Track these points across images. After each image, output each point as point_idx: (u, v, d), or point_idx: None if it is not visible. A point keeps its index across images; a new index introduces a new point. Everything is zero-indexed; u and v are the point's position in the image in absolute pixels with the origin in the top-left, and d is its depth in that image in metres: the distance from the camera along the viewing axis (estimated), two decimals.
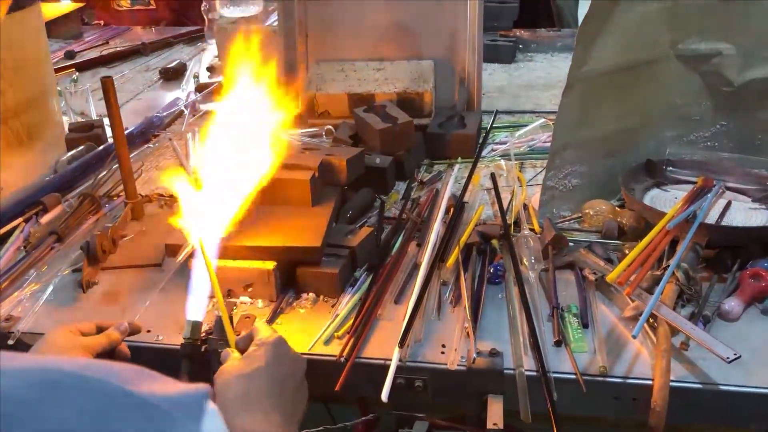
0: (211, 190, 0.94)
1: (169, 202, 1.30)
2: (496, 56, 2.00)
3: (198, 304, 0.85)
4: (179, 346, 0.85)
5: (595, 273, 1.00)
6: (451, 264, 1.03)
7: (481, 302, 0.98)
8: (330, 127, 1.48)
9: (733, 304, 0.92)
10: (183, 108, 1.72)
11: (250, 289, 1.00)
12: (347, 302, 0.99)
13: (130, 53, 2.28)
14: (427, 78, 1.51)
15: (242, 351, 0.80)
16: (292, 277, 1.02)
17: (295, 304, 1.00)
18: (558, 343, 0.89)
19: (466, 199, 1.20)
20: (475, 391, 0.87)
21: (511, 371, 0.85)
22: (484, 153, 1.43)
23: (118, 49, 2.30)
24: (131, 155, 1.28)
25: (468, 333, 0.90)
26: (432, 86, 1.50)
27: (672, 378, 0.81)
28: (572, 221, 1.16)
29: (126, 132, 1.24)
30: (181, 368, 0.84)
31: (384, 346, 0.90)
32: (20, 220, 1.21)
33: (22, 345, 0.95)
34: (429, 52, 1.58)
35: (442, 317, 0.96)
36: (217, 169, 0.95)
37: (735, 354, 0.80)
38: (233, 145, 0.97)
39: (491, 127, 1.52)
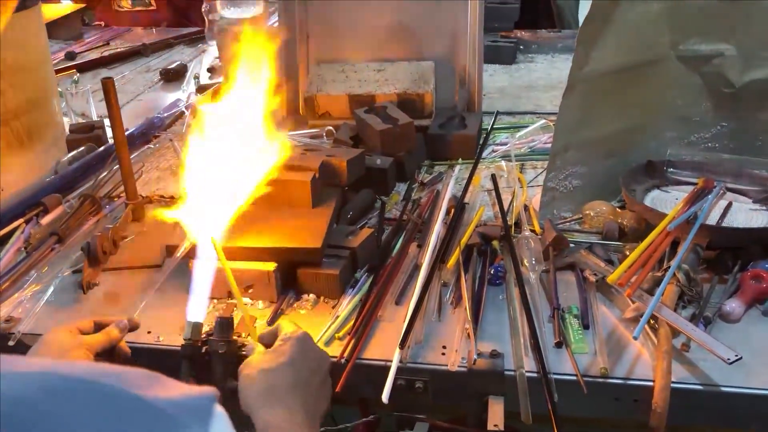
0: (211, 191, 0.94)
1: (169, 203, 1.30)
2: (497, 57, 2.00)
3: (198, 305, 0.85)
4: (180, 347, 0.85)
5: (595, 274, 1.00)
6: (451, 265, 1.03)
7: (482, 303, 0.98)
8: (330, 128, 1.48)
9: (734, 306, 0.92)
10: (183, 109, 1.72)
11: (250, 291, 1.00)
12: (348, 303, 0.99)
13: (131, 54, 2.28)
14: (428, 79, 1.51)
15: (267, 346, 0.80)
16: (292, 278, 1.02)
17: (295, 305, 1.00)
18: (559, 345, 0.89)
19: (466, 200, 1.20)
20: (476, 392, 0.87)
21: (512, 372, 0.85)
22: (484, 154, 1.43)
23: (119, 50, 2.30)
24: (132, 156, 1.28)
25: (469, 334, 0.90)
26: (432, 87, 1.50)
27: (673, 379, 0.80)
28: (573, 222, 1.16)
29: (126, 133, 1.24)
30: (181, 369, 0.83)
31: (385, 348, 0.90)
32: (21, 221, 1.21)
33: (23, 346, 0.94)
34: (429, 53, 1.58)
35: (442, 318, 0.96)
36: (212, 170, 0.95)
37: (736, 355, 0.80)
38: (227, 146, 0.97)
39: (492, 128, 1.52)
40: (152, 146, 1.56)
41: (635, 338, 0.86)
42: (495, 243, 1.09)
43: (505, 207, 1.17)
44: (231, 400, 0.82)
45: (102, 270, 1.10)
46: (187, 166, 0.92)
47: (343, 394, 0.85)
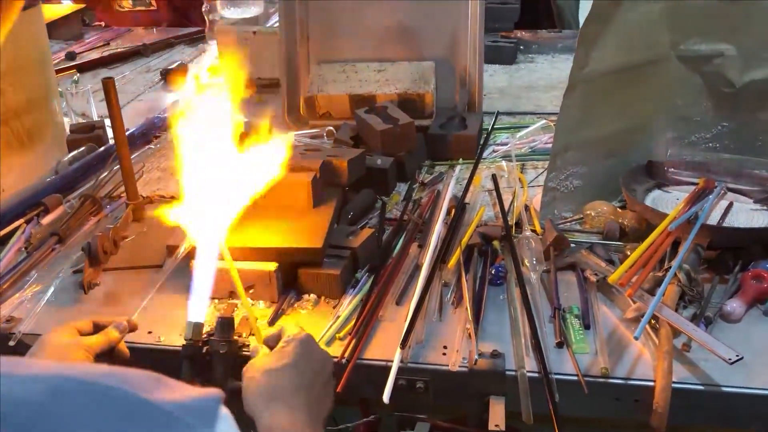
0: (211, 192, 0.94)
1: (170, 203, 1.29)
2: (497, 57, 2.00)
3: (199, 306, 0.85)
4: (180, 348, 0.85)
5: (596, 274, 1.00)
6: (452, 265, 1.03)
7: (483, 303, 0.98)
8: (331, 128, 1.48)
9: (734, 306, 0.92)
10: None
11: (251, 291, 1.00)
12: (349, 303, 0.99)
13: (131, 54, 2.28)
14: (428, 79, 1.51)
15: (271, 348, 0.80)
16: (293, 278, 1.02)
17: (296, 305, 1.00)
18: (560, 345, 0.89)
19: (467, 200, 1.20)
20: (477, 392, 0.87)
21: (513, 372, 0.85)
22: (485, 154, 1.42)
23: (119, 50, 2.30)
24: (132, 156, 1.28)
25: (469, 334, 0.90)
26: (433, 87, 1.50)
27: (674, 379, 0.80)
28: (574, 222, 1.16)
29: (127, 133, 1.24)
30: (182, 370, 0.83)
31: (385, 348, 0.90)
32: (21, 221, 1.21)
33: (24, 346, 0.94)
34: (430, 53, 1.58)
35: (443, 318, 0.96)
36: (211, 171, 0.94)
37: (737, 355, 0.80)
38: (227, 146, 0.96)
39: (492, 128, 1.52)
40: (153, 146, 1.56)
41: (636, 338, 0.86)
42: (496, 243, 1.09)
43: (506, 207, 1.17)
44: (232, 401, 0.82)
45: (103, 270, 1.10)
46: (184, 167, 0.91)
47: (343, 395, 0.85)
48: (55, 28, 2.34)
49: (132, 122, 1.60)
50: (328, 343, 0.92)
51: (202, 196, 0.91)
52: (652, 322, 0.88)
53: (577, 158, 1.16)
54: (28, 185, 1.30)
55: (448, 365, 0.87)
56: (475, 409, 0.88)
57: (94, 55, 2.28)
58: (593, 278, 1.00)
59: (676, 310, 0.90)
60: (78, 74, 2.03)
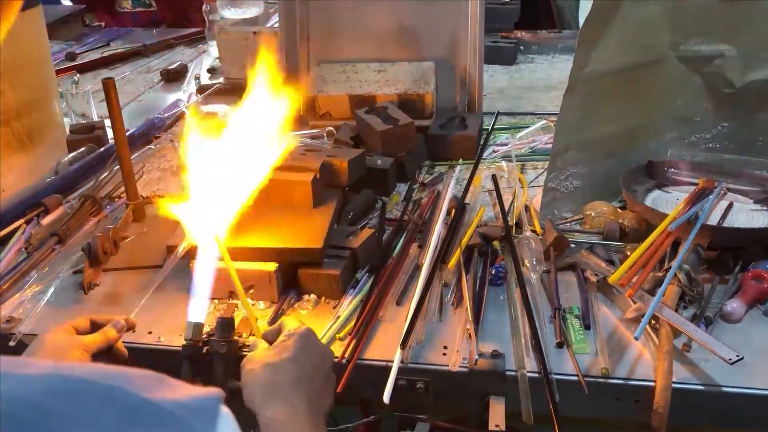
0: (210, 192, 0.94)
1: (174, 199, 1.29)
2: (497, 58, 2.00)
3: (199, 306, 0.85)
4: (181, 348, 0.85)
5: (596, 274, 1.00)
6: (452, 265, 1.03)
7: (483, 304, 0.98)
8: (331, 128, 1.48)
9: (735, 306, 0.92)
10: (184, 110, 1.72)
11: (251, 291, 1.00)
12: (349, 304, 0.99)
13: (131, 55, 2.28)
14: (428, 79, 1.51)
15: (270, 342, 0.80)
16: (293, 278, 1.02)
17: (296, 305, 1.00)
18: (560, 345, 0.89)
19: (467, 200, 1.20)
20: (477, 392, 0.87)
21: (513, 373, 0.85)
22: (485, 154, 1.43)
23: (119, 50, 2.30)
24: (132, 157, 1.28)
25: (470, 334, 0.90)
26: (433, 88, 1.50)
27: (674, 379, 0.80)
28: (574, 223, 1.16)
29: (127, 133, 1.24)
30: (182, 370, 0.83)
31: (386, 348, 0.90)
32: (21, 221, 1.21)
33: (24, 347, 0.94)
34: (430, 53, 1.58)
35: (443, 319, 0.96)
36: (215, 171, 0.95)
37: (737, 355, 0.80)
38: (233, 146, 0.97)
39: (492, 129, 1.52)
40: (153, 147, 1.56)
41: (636, 338, 0.86)
42: (496, 243, 1.09)
43: (506, 207, 1.17)
44: (233, 401, 0.82)
45: (103, 270, 1.10)
46: (188, 166, 0.92)
47: (344, 395, 0.85)
48: (55, 28, 2.34)
49: (132, 123, 1.60)
50: (329, 343, 0.92)
51: (204, 195, 0.91)
52: (653, 322, 0.88)
53: (577, 158, 1.16)
54: (28, 185, 1.30)
55: (448, 365, 0.87)
56: (475, 410, 0.88)
57: (95, 55, 2.28)
58: (593, 278, 1.00)
59: (677, 311, 0.90)
60: (78, 75, 2.03)
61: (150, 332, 0.96)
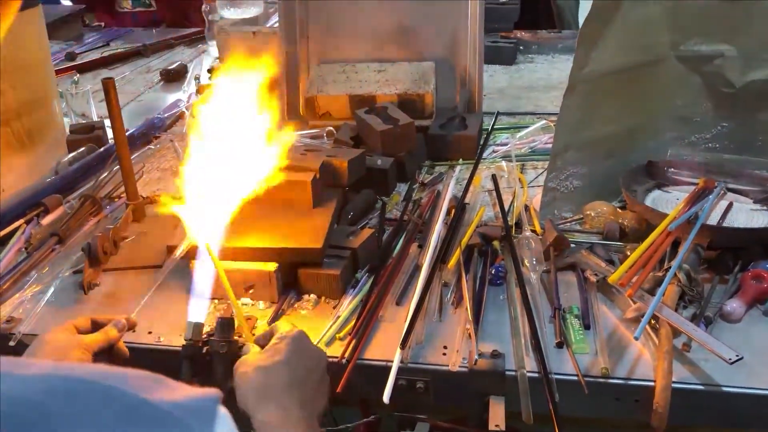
0: (210, 192, 0.94)
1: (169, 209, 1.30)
2: (497, 58, 2.00)
3: (199, 306, 0.85)
4: (180, 348, 0.85)
5: (596, 274, 1.00)
6: (452, 265, 1.03)
7: (483, 304, 0.98)
8: (331, 128, 1.48)
9: (734, 306, 0.92)
10: (184, 109, 1.72)
11: (251, 291, 1.00)
12: (349, 304, 0.99)
13: (131, 55, 2.28)
14: (428, 79, 1.51)
15: (263, 346, 0.80)
16: (293, 278, 1.02)
17: (296, 305, 1.00)
18: (560, 345, 0.89)
19: (467, 200, 1.20)
20: (477, 392, 0.87)
21: (513, 372, 0.85)
22: (485, 154, 1.43)
23: (119, 50, 2.30)
24: (132, 157, 1.28)
25: (469, 334, 0.90)
26: (433, 88, 1.50)
27: (674, 379, 0.80)
28: (573, 222, 1.16)
29: (127, 133, 1.24)
30: (182, 370, 0.83)
31: (385, 348, 0.90)
32: (21, 221, 1.21)
33: (24, 347, 0.94)
34: (430, 53, 1.58)
35: (443, 319, 0.96)
36: (213, 170, 0.95)
37: (737, 355, 0.80)
38: (226, 147, 0.97)
39: (492, 129, 1.52)
40: (153, 147, 1.56)
41: (636, 338, 0.86)
42: (496, 243, 1.09)
43: (506, 207, 1.17)
44: (232, 401, 0.82)
45: (102, 270, 1.10)
46: (188, 165, 0.92)
47: (343, 395, 0.85)
48: (55, 28, 2.34)
49: (132, 123, 1.60)
50: (328, 343, 0.92)
51: (203, 195, 0.91)
52: (652, 322, 0.88)
53: (577, 158, 1.16)
54: (28, 185, 1.30)
55: (448, 365, 0.87)
56: (475, 409, 0.88)
57: (94, 55, 2.28)
58: (593, 278, 1.00)
59: (676, 310, 0.90)
60: (78, 75, 2.03)
61: (150, 332, 0.96)
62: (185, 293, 0.87)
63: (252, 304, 1.00)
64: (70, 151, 1.45)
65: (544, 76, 1.92)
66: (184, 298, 0.86)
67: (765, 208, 1.13)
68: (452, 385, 0.88)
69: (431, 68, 1.54)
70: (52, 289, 1.05)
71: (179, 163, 1.47)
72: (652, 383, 0.82)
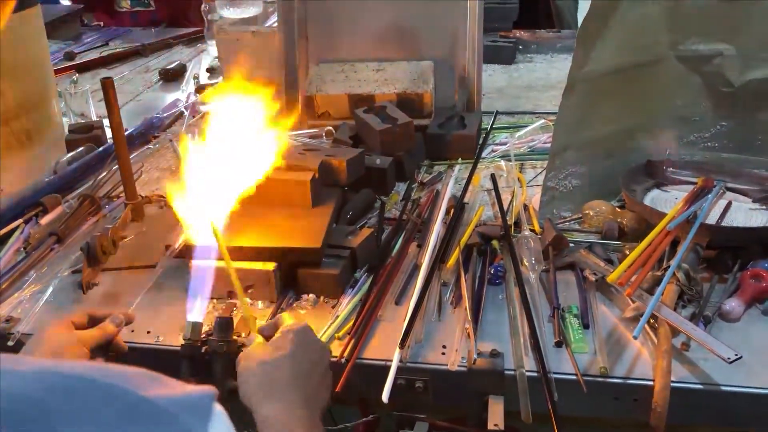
0: (210, 191, 0.94)
1: (168, 203, 1.30)
2: (496, 57, 2.00)
3: (198, 305, 0.85)
4: (179, 347, 0.85)
5: (595, 274, 1.00)
6: (451, 265, 1.03)
7: (482, 303, 0.98)
8: (330, 128, 1.48)
9: (733, 305, 0.92)
10: (183, 109, 1.72)
11: (250, 291, 1.00)
12: (348, 303, 0.99)
13: (130, 54, 2.28)
14: (427, 79, 1.51)
15: (267, 338, 0.80)
16: (292, 278, 1.02)
17: (295, 305, 1.00)
18: (559, 344, 0.89)
19: (466, 199, 1.20)
20: (476, 391, 0.87)
21: (512, 372, 0.85)
22: (484, 154, 1.42)
23: (118, 50, 2.30)
24: (131, 156, 1.28)
25: (468, 334, 0.90)
26: (432, 87, 1.50)
27: (673, 378, 0.80)
28: (572, 222, 1.16)
29: (126, 133, 1.24)
30: (181, 369, 0.84)
31: (384, 347, 0.90)
32: (20, 221, 1.21)
33: (22, 346, 0.94)
34: (429, 52, 1.58)
35: (442, 318, 0.96)
36: (213, 170, 0.95)
37: (736, 354, 0.80)
38: (227, 146, 0.97)
39: (491, 128, 1.52)
40: (151, 146, 1.55)
41: (635, 337, 0.86)
42: (495, 243, 1.09)
43: (505, 207, 1.17)
44: (231, 400, 0.82)
45: (101, 270, 1.10)
46: (189, 164, 0.92)
47: (343, 394, 0.84)
48: (53, 28, 2.34)
49: (131, 122, 1.60)
50: (327, 342, 0.92)
51: (203, 194, 0.91)
52: (651, 321, 0.89)
53: (576, 158, 1.16)
54: (26, 185, 1.30)
55: (447, 365, 0.87)
56: (474, 409, 0.88)
57: (93, 55, 2.27)
58: (592, 278, 1.00)
59: (675, 310, 0.90)
60: (77, 74, 2.02)
61: (149, 331, 0.96)
62: (184, 293, 0.86)
63: (251, 304, 1.00)
64: (68, 151, 1.45)
65: (543, 76, 1.92)
66: (183, 298, 0.86)
67: (764, 207, 1.13)
68: (451, 384, 0.88)
69: (430, 67, 1.54)
70: (50, 289, 1.05)
71: (178, 163, 1.47)
72: (651, 382, 0.82)
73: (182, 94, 1.89)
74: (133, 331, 0.95)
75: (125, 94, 1.92)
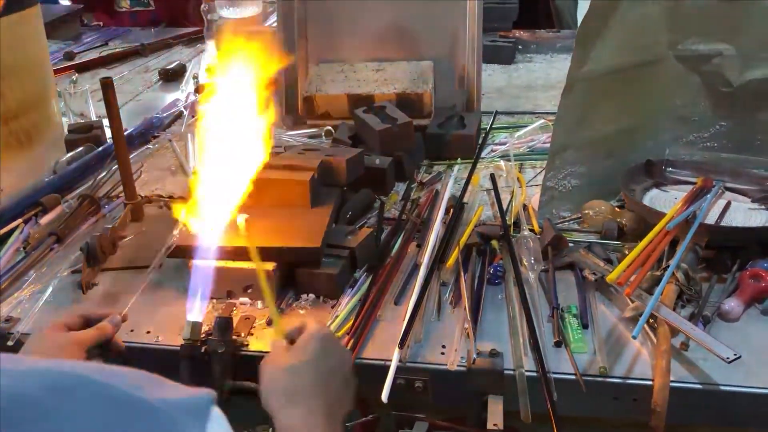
0: (211, 190, 0.94)
1: (168, 203, 1.30)
2: (496, 57, 2.00)
3: (197, 305, 0.85)
4: (179, 347, 0.85)
5: (594, 273, 1.00)
6: (450, 265, 1.03)
7: (481, 303, 0.98)
8: (329, 127, 1.48)
9: (732, 305, 0.92)
10: (182, 109, 1.72)
11: (249, 290, 1.00)
12: (347, 303, 0.99)
13: (130, 54, 2.27)
14: (427, 79, 1.51)
15: (292, 341, 0.79)
16: (291, 278, 1.02)
17: (294, 305, 1.00)
18: (558, 344, 0.89)
19: (465, 199, 1.20)
20: (475, 391, 0.87)
21: (511, 372, 0.85)
22: (483, 154, 1.43)
23: (118, 50, 2.30)
24: (131, 156, 1.28)
25: (468, 333, 0.90)
26: (431, 87, 1.50)
27: (672, 378, 0.81)
28: (572, 222, 1.16)
29: (125, 133, 1.24)
30: (180, 369, 0.84)
31: (384, 347, 0.90)
32: (20, 221, 1.21)
33: (22, 346, 0.94)
34: (428, 52, 1.58)
35: (441, 318, 0.96)
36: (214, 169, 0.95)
37: (735, 354, 0.80)
38: (223, 145, 0.97)
39: (491, 128, 1.52)
40: (151, 146, 1.55)
41: (634, 337, 0.86)
42: (494, 242, 1.09)
43: (504, 206, 1.17)
44: (230, 401, 0.83)
45: (101, 270, 1.10)
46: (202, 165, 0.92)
47: None
48: (53, 28, 2.34)
49: (130, 122, 1.60)
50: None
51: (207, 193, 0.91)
52: (651, 321, 0.89)
53: (575, 158, 1.17)
54: (26, 185, 1.30)
55: (446, 365, 0.87)
56: (473, 409, 0.88)
57: (93, 55, 2.27)
58: (591, 277, 1.00)
59: (674, 309, 0.90)
60: (76, 74, 2.02)
61: (148, 331, 0.96)
62: (183, 293, 0.86)
63: (250, 304, 1.00)
64: (68, 151, 1.45)
65: (542, 76, 1.92)
66: (183, 298, 0.86)
67: (763, 207, 1.13)
68: (451, 384, 0.88)
69: (430, 67, 1.54)
70: (50, 289, 1.05)
71: (178, 163, 1.47)
72: (650, 382, 0.82)
73: (182, 94, 1.89)
74: (132, 330, 0.95)
75: (125, 94, 1.92)
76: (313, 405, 0.71)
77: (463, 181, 1.24)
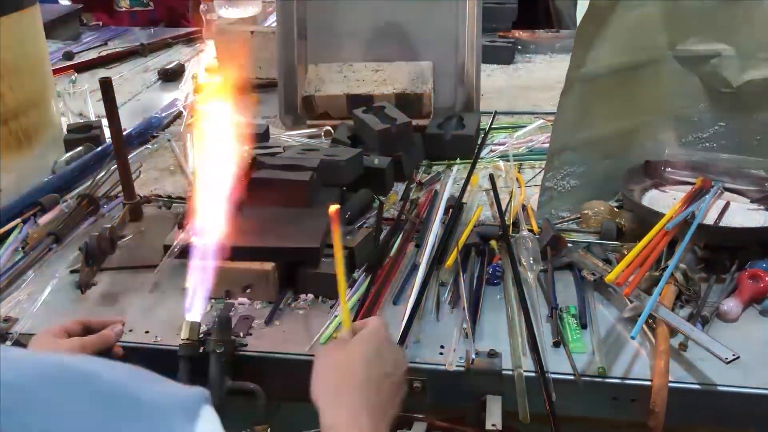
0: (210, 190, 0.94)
1: (167, 203, 1.30)
2: (495, 57, 2.00)
3: (196, 305, 0.85)
4: (178, 347, 0.85)
5: (593, 274, 1.00)
6: (449, 265, 1.03)
7: (480, 303, 0.98)
8: (329, 128, 1.48)
9: (731, 305, 0.92)
10: (181, 109, 1.72)
11: (248, 290, 1.00)
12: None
13: (129, 54, 2.27)
14: (426, 79, 1.51)
15: (355, 333, 0.78)
16: (291, 277, 1.02)
17: (293, 304, 1.00)
18: (557, 344, 0.89)
19: (464, 199, 1.20)
20: (474, 391, 0.87)
21: (510, 372, 0.85)
22: (482, 154, 1.43)
23: (117, 49, 2.30)
24: (130, 156, 1.28)
25: (467, 334, 0.90)
26: (431, 87, 1.50)
27: (670, 379, 0.81)
28: (571, 222, 1.16)
29: (124, 133, 1.24)
30: (179, 369, 0.83)
31: None
32: (18, 220, 1.21)
33: (20, 347, 0.94)
34: (428, 53, 1.58)
35: (440, 318, 0.96)
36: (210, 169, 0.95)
37: (733, 354, 0.80)
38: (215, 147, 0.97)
39: (490, 128, 1.52)
40: (150, 146, 1.55)
41: (633, 338, 0.86)
42: (493, 243, 1.09)
43: (503, 207, 1.17)
44: (229, 400, 0.83)
45: (100, 270, 1.10)
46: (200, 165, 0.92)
47: None
48: (52, 28, 2.34)
49: (129, 122, 1.60)
50: (326, 342, 0.92)
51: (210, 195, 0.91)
52: (649, 321, 0.89)
53: (574, 158, 1.17)
54: (25, 185, 1.30)
55: (445, 365, 0.87)
56: (472, 409, 0.88)
57: (92, 54, 2.27)
58: (590, 278, 1.00)
59: (673, 310, 0.90)
60: (75, 74, 2.02)
61: (147, 331, 0.96)
62: (182, 292, 0.86)
63: (249, 304, 1.00)
64: (67, 151, 1.45)
65: (541, 76, 1.92)
66: (181, 298, 0.86)
67: (762, 207, 1.13)
68: (449, 384, 0.88)
69: (429, 68, 1.55)
70: (49, 289, 1.05)
71: (177, 163, 1.47)
72: (648, 383, 0.82)
73: (181, 93, 1.89)
74: (131, 330, 0.95)
75: (124, 93, 1.92)
76: (357, 407, 0.70)
77: (462, 181, 1.24)
